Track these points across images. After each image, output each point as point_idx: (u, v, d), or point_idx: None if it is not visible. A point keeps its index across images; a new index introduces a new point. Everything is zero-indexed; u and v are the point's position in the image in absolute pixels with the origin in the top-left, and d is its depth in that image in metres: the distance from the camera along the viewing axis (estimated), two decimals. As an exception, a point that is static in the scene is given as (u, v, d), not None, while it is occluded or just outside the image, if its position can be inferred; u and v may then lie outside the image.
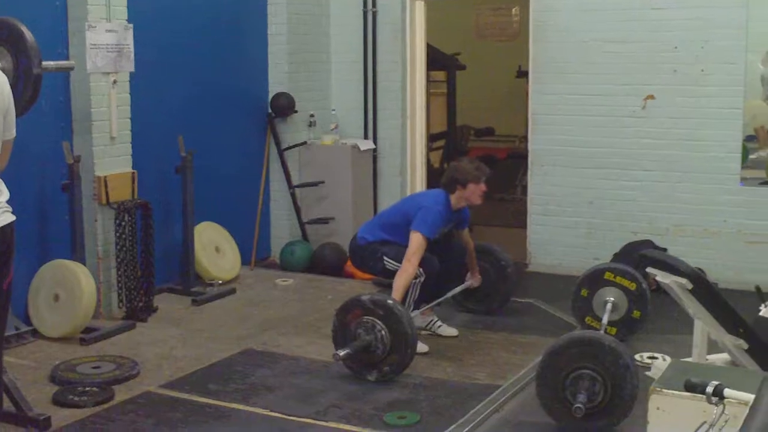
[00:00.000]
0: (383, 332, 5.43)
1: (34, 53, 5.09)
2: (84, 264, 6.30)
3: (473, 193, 6.12)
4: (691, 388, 3.19)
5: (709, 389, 3.03)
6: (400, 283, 5.85)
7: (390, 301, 5.53)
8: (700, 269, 6.14)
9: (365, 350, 5.47)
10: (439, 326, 6.39)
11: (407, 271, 5.86)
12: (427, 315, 6.39)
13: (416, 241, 5.90)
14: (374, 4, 8.58)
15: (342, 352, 5.40)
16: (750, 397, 2.79)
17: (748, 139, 7.42)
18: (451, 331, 6.38)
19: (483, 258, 6.80)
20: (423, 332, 6.37)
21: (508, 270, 6.85)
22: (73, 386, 5.18)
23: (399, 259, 5.97)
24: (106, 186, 6.48)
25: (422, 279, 5.92)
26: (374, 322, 5.44)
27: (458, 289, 6.59)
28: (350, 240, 6.50)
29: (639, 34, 7.58)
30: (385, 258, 6.12)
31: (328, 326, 6.36)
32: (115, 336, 6.18)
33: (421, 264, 5.91)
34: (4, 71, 5.13)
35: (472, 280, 6.69)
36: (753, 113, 7.37)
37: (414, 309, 6.02)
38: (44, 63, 5.18)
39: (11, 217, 3.76)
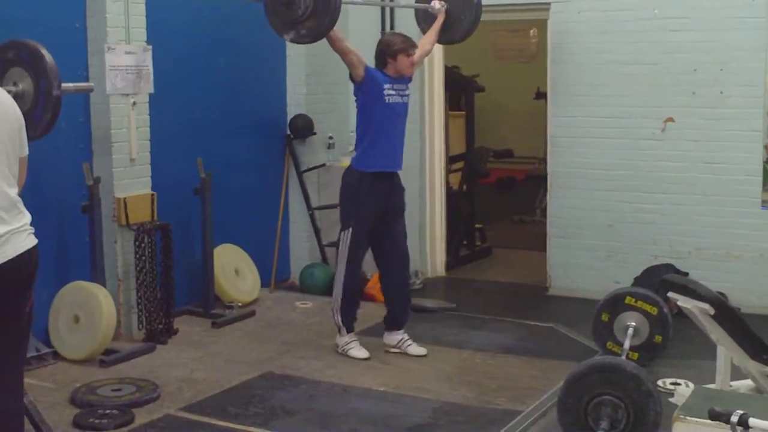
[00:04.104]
0: None
1: (53, 75, 5.12)
2: (104, 286, 6.31)
3: (402, 63, 6.22)
4: (715, 417, 3.17)
5: (734, 418, 3.01)
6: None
7: None
8: (722, 294, 6.12)
9: (287, 6, 5.58)
10: (409, 345, 6.41)
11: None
12: (396, 332, 6.44)
13: None
14: (392, 26, 8.57)
15: None
16: (777, 427, 2.76)
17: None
18: (420, 351, 6.38)
19: None
20: (392, 350, 6.40)
21: (475, 1, 6.97)
22: (94, 409, 5.17)
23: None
24: (125, 207, 6.49)
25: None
26: None
27: (417, 6, 6.96)
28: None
29: (657, 57, 7.56)
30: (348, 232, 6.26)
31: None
32: (135, 358, 6.18)
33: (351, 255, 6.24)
34: (24, 93, 5.19)
35: (434, 2, 6.94)
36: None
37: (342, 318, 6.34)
38: (64, 85, 5.20)
39: (34, 240, 3.76)
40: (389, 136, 6.26)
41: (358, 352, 6.29)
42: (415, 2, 7.21)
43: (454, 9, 6.97)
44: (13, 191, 3.69)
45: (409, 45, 6.25)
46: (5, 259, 3.59)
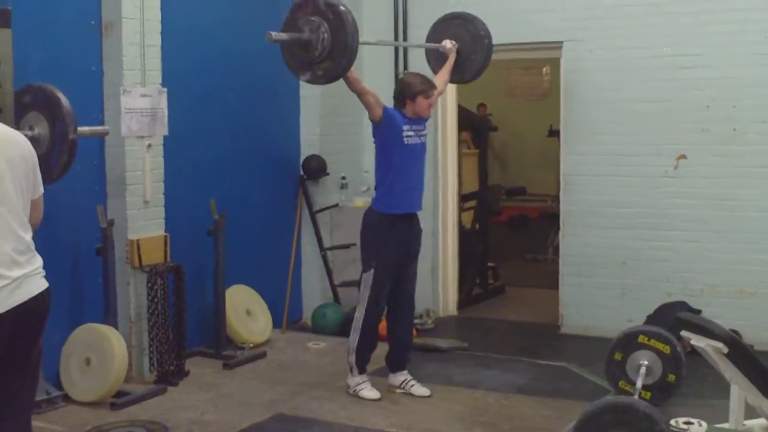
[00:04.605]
0: (326, 35, 5.55)
1: (69, 119, 5.20)
2: (116, 328, 6.32)
3: (421, 105, 6.25)
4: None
5: (746, 460, 2.99)
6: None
7: (343, 8, 5.64)
8: (735, 332, 6.10)
9: (304, 48, 5.62)
10: (413, 385, 6.39)
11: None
12: (400, 373, 6.45)
13: None
14: (406, 66, 8.62)
15: (275, 35, 5.58)
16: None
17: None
18: (424, 391, 6.35)
19: (461, 26, 6.97)
20: (397, 390, 6.39)
21: (485, 41, 6.99)
22: (104, 452, 5.18)
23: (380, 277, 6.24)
24: (138, 250, 6.51)
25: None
26: (321, 24, 5.57)
27: (429, 45, 6.96)
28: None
29: (669, 94, 7.57)
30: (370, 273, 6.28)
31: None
32: (147, 400, 6.16)
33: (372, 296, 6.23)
34: (40, 137, 5.25)
35: (445, 42, 6.99)
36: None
37: (358, 360, 6.32)
38: (80, 129, 5.27)
39: (46, 284, 3.80)
40: (408, 178, 6.28)
41: (370, 392, 6.27)
42: (427, 42, 7.25)
43: (465, 48, 7.01)
44: (28, 235, 3.73)
45: (428, 87, 6.27)
46: (19, 302, 3.62)
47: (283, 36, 5.66)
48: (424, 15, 8.23)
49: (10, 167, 3.66)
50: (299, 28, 5.66)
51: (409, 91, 6.23)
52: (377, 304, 6.28)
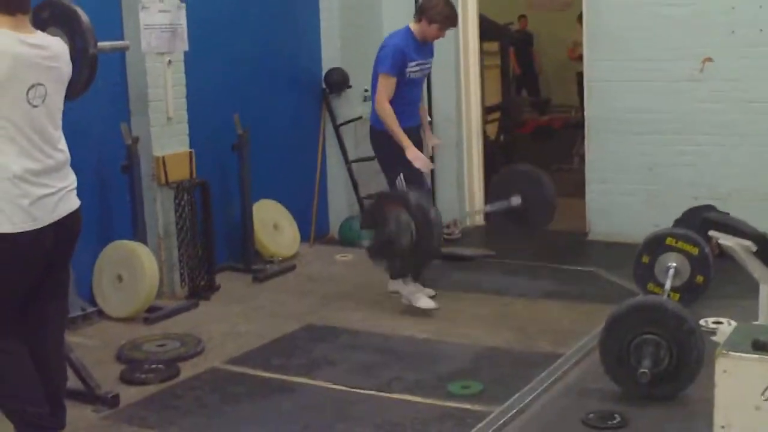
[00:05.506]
0: (412, 234, 5.65)
1: (89, 34, 5.14)
2: (146, 244, 6.37)
3: (432, 33, 6.21)
4: (759, 347, 3.17)
5: (778, 348, 3.00)
6: (388, 123, 6.06)
7: (433, 215, 5.72)
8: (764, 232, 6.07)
9: (387, 241, 5.76)
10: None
11: (384, 110, 6.05)
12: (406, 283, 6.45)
13: (380, 82, 6.09)
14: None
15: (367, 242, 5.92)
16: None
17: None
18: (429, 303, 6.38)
19: (523, 183, 6.96)
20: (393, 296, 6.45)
21: (548, 195, 6.97)
22: (140, 364, 5.25)
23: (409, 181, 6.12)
24: (164, 166, 6.53)
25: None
26: (409, 223, 5.69)
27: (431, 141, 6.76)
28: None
29: (694, -4, 7.46)
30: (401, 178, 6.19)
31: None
32: (179, 315, 6.25)
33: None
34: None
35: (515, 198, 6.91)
36: None
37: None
38: (99, 44, 5.21)
39: (78, 201, 3.85)
40: (408, 101, 6.26)
41: (426, 302, 6.19)
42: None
43: (530, 207, 6.92)
44: (66, 149, 3.78)
45: (450, 23, 6.22)
46: (61, 216, 3.70)
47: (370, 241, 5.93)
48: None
49: (56, 82, 3.69)
50: (384, 220, 5.74)
51: (432, 14, 6.13)
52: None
